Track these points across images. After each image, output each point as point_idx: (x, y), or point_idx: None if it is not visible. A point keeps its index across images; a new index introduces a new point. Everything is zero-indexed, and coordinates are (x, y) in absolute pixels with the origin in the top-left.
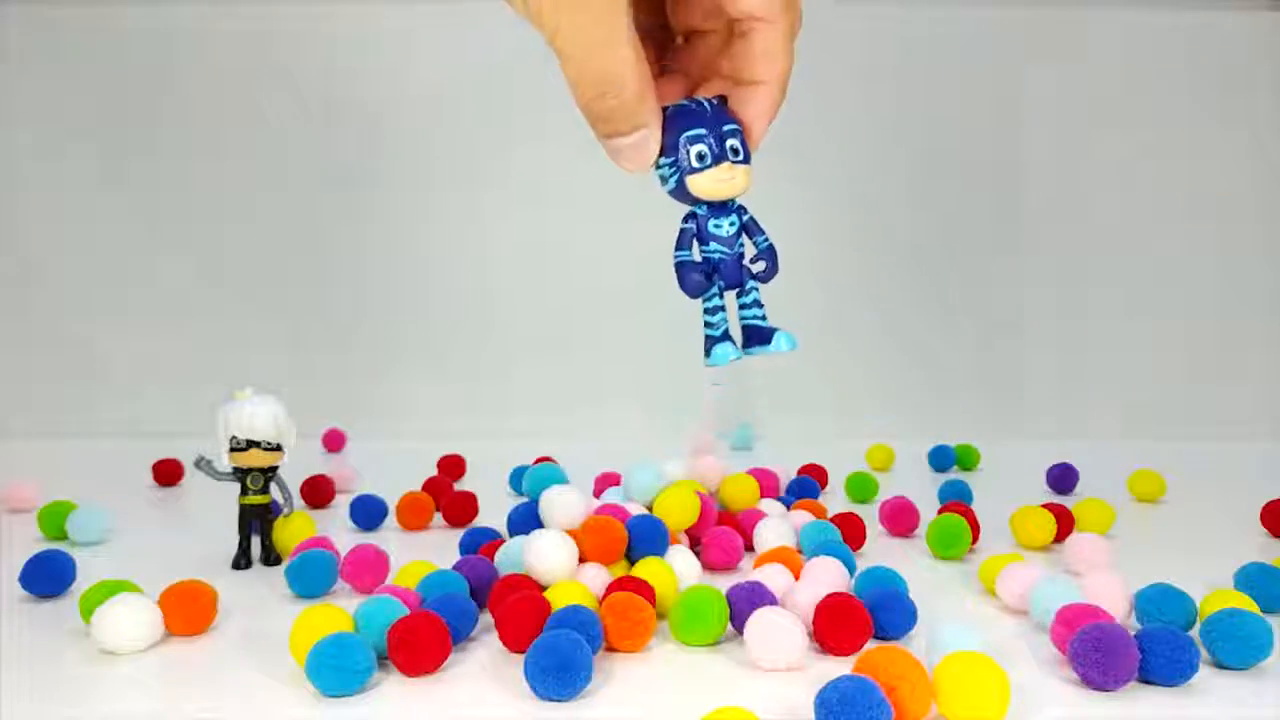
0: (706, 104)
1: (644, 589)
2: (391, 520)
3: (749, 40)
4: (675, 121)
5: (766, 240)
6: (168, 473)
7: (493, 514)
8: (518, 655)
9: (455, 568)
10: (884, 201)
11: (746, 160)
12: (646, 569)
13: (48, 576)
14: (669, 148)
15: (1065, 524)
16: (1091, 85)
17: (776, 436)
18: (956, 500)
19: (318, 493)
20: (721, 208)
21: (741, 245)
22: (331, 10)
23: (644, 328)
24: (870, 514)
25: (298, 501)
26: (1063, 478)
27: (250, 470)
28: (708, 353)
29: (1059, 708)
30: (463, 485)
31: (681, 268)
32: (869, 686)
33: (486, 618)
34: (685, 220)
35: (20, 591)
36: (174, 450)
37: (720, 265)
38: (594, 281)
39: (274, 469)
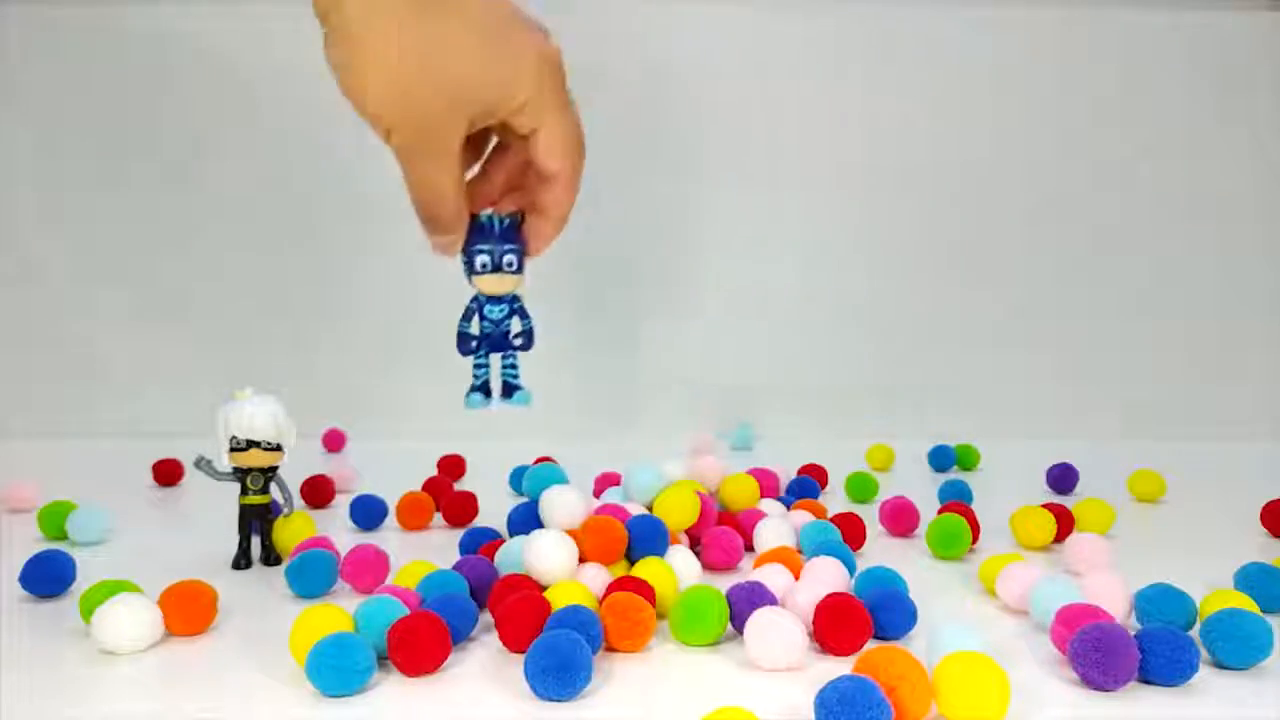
0: (497, 223)
1: (644, 589)
2: (391, 520)
3: (546, 183)
4: (471, 234)
5: (529, 324)
6: (168, 473)
7: (493, 514)
8: (518, 655)
9: (455, 568)
10: (882, 201)
11: (518, 271)
12: (646, 569)
13: (48, 576)
14: (465, 250)
15: (1065, 524)
16: (1091, 85)
17: (776, 436)
18: (956, 500)
19: (318, 493)
20: (497, 298)
21: (508, 325)
22: None
23: (646, 327)
24: (870, 514)
25: (298, 501)
26: (1062, 478)
27: (250, 470)
28: (466, 396)
29: (1059, 708)
30: (463, 485)
31: (459, 335)
32: (869, 686)
33: (486, 618)
34: (471, 301)
35: (20, 591)
36: (174, 450)
37: (489, 336)
38: (595, 281)
39: (274, 469)
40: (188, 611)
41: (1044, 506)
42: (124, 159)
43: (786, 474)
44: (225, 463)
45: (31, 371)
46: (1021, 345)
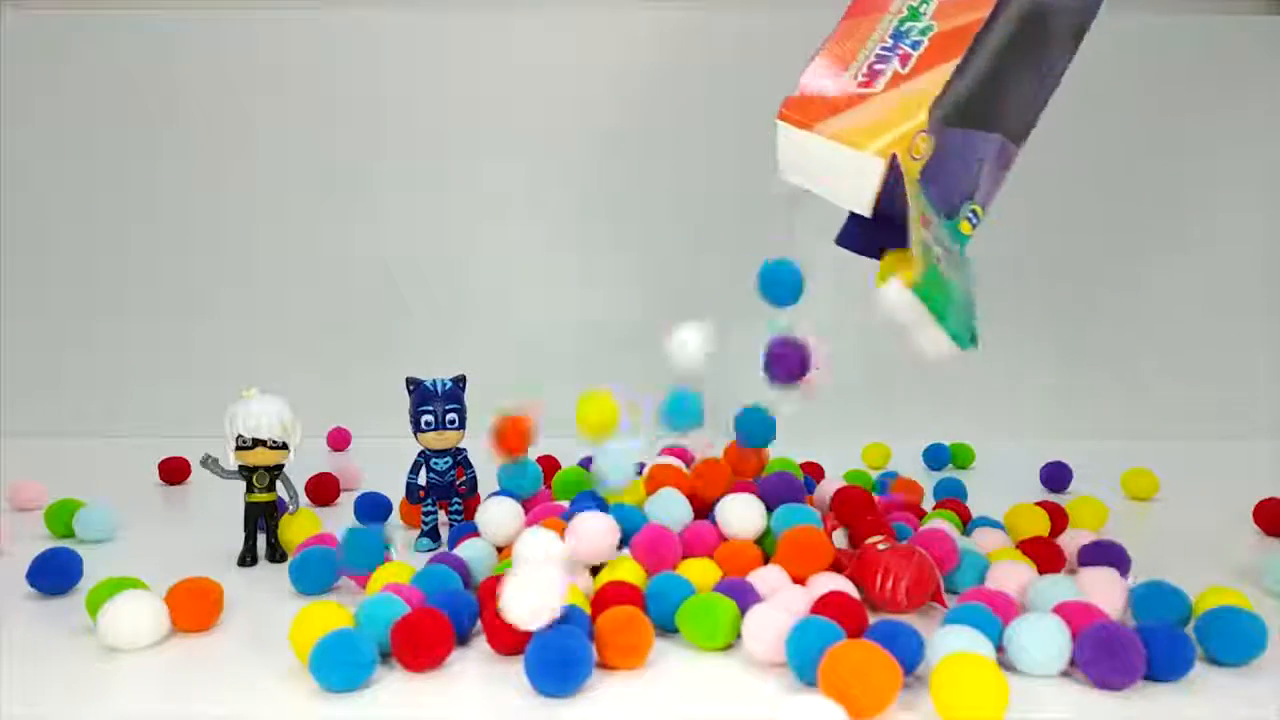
0: (439, 385)
1: (634, 595)
2: (395, 518)
3: None
4: (415, 397)
5: (472, 474)
6: (174, 471)
7: None
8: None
9: (431, 561)
10: None
11: (460, 428)
12: (622, 568)
13: (55, 574)
14: (410, 413)
15: (1059, 522)
16: (1090, 86)
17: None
18: (951, 498)
19: (323, 490)
20: (442, 452)
21: (453, 475)
22: (332, 11)
23: (646, 326)
24: None
25: (303, 499)
26: (1056, 476)
27: (256, 468)
28: (417, 541)
29: (1056, 706)
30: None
31: (408, 486)
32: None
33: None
34: (419, 455)
35: (27, 588)
36: (180, 449)
37: (435, 485)
38: (597, 280)
39: (279, 467)
40: (193, 608)
41: (1038, 504)
42: (124, 159)
43: None
44: (231, 461)
45: (38, 370)
46: (1015, 344)
